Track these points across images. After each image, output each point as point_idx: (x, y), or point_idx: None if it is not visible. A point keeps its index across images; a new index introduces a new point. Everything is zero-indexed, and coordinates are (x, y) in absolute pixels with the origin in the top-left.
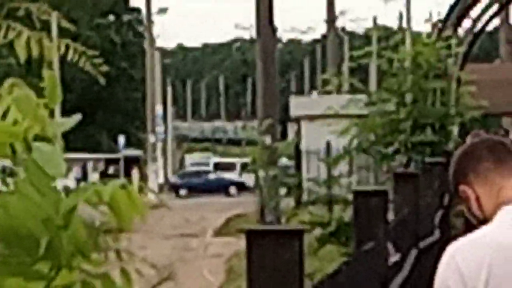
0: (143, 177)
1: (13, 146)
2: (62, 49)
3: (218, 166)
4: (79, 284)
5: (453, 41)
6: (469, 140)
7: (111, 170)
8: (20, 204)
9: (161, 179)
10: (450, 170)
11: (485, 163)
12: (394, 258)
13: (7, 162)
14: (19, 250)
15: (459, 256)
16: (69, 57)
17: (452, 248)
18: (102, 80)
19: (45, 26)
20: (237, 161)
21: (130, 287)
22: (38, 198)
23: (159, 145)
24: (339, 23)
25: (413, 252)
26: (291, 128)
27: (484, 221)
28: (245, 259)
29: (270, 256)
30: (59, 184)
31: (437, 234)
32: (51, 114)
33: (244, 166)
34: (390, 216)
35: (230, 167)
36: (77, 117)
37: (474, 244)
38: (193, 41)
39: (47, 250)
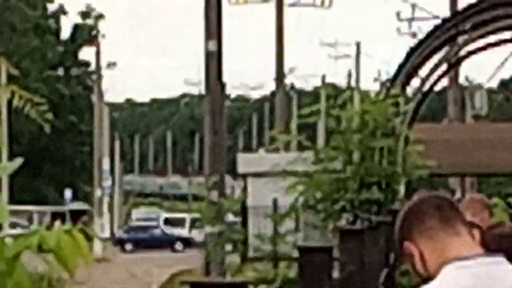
0: None
1: None
2: (8, 95)
3: (168, 221)
4: None
5: (401, 100)
6: (415, 197)
7: (57, 224)
8: None
9: (107, 234)
10: (395, 226)
11: (430, 220)
12: None
13: None
14: None
15: None
16: (15, 103)
17: None
18: (47, 128)
19: None
20: (187, 216)
21: None
22: None
23: (106, 199)
24: (288, 80)
25: None
26: (238, 185)
27: (428, 279)
28: None
29: None
30: (3, 233)
31: None
32: None
33: (194, 222)
34: (335, 273)
35: (180, 222)
36: (18, 161)
37: None
38: (142, 96)
39: None
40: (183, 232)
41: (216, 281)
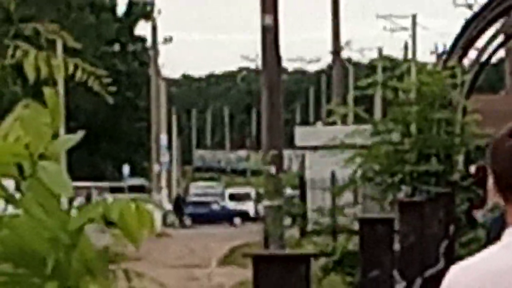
0: None
1: (20, 165)
2: (71, 68)
3: (233, 197)
4: None
5: (459, 71)
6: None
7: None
8: (27, 224)
9: (166, 208)
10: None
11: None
12: (400, 286)
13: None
14: (26, 270)
15: (454, 281)
16: (78, 76)
17: (449, 274)
18: (110, 100)
19: (51, 47)
20: (252, 191)
21: None
22: (44, 217)
23: (164, 175)
24: (344, 54)
25: (418, 281)
26: (296, 158)
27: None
28: (252, 285)
29: (277, 281)
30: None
31: (442, 263)
32: (55, 134)
33: (259, 196)
34: (396, 245)
35: (245, 197)
36: (80, 134)
37: (471, 268)
38: (199, 71)
39: (54, 270)
40: (242, 206)
41: (278, 253)
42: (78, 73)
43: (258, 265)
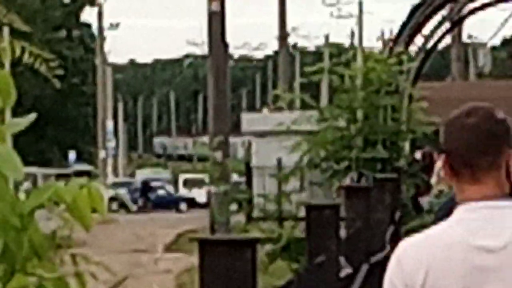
0: None
1: None
2: (18, 51)
3: (187, 183)
4: (34, 287)
5: (405, 57)
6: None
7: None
8: None
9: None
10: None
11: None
12: (345, 271)
13: None
14: None
15: (403, 256)
16: (25, 59)
17: (398, 249)
18: (57, 84)
19: None
20: (206, 177)
21: None
22: None
23: (110, 161)
24: (291, 40)
25: (364, 267)
26: (241, 144)
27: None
28: (198, 270)
29: (223, 266)
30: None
31: (388, 249)
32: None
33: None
34: (342, 231)
35: (199, 183)
36: (31, 116)
37: (418, 243)
38: (145, 57)
39: (3, 253)
40: (191, 193)
41: (225, 237)
42: (25, 56)
43: (204, 250)
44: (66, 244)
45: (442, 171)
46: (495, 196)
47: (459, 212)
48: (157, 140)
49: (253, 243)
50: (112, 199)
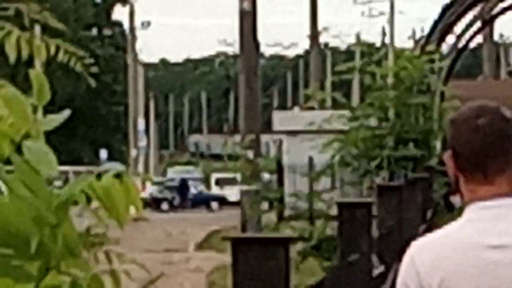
0: None
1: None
2: (53, 49)
3: (219, 182)
4: (68, 285)
5: (436, 56)
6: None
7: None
8: (11, 204)
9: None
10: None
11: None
12: (378, 269)
13: None
14: (9, 250)
15: (417, 256)
16: (60, 57)
17: (411, 249)
18: (92, 82)
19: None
20: (238, 176)
21: None
22: (29, 196)
23: (141, 159)
24: (322, 39)
25: (396, 266)
26: (273, 143)
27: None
28: (231, 268)
29: (256, 264)
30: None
31: None
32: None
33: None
34: (374, 230)
35: (231, 182)
36: (66, 113)
37: (433, 243)
38: (176, 56)
39: (37, 251)
40: (218, 191)
41: (257, 236)
42: (60, 55)
43: (236, 248)
44: (100, 242)
45: (449, 166)
46: (506, 195)
47: (471, 211)
48: (191, 139)
49: (286, 241)
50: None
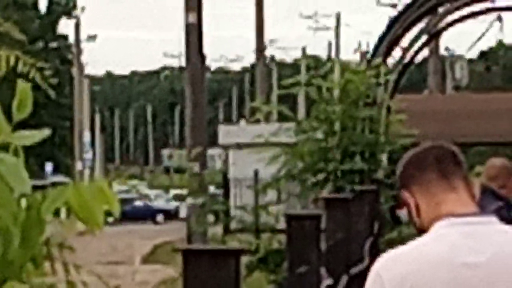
0: None
1: None
2: (12, 61)
3: (177, 197)
4: None
5: (383, 70)
6: (419, 146)
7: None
8: None
9: None
10: (396, 172)
11: (429, 174)
12: (326, 282)
13: None
14: None
15: (384, 271)
16: (20, 68)
17: (378, 264)
18: (52, 93)
19: None
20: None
21: None
22: None
23: (87, 172)
24: (268, 52)
25: (344, 278)
26: (219, 157)
27: (423, 230)
28: (181, 280)
29: (207, 276)
30: None
31: (367, 261)
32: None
33: None
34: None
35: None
36: (46, 132)
37: (401, 258)
38: (122, 69)
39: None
40: (163, 204)
41: (209, 247)
42: (20, 66)
43: (187, 260)
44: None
45: (410, 201)
46: (474, 213)
47: (441, 227)
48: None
49: (237, 253)
50: None
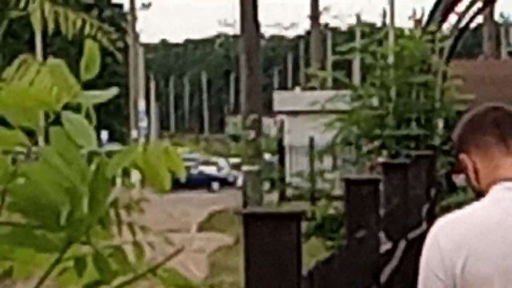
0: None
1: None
2: (79, 23)
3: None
4: (91, 257)
5: (438, 36)
6: (479, 107)
7: None
8: (43, 173)
9: None
10: (453, 136)
11: (487, 137)
12: (385, 246)
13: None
14: (36, 220)
15: (441, 236)
16: (87, 31)
17: (435, 228)
18: (119, 56)
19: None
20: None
21: (143, 261)
22: (64, 168)
23: (142, 140)
24: (322, 19)
25: (402, 243)
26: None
27: (481, 194)
28: (243, 243)
29: (268, 239)
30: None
31: (424, 226)
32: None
33: None
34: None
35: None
36: (113, 91)
37: (457, 222)
38: (176, 37)
39: (67, 221)
40: (218, 171)
41: (269, 211)
42: (87, 28)
43: (249, 224)
44: (127, 208)
45: (467, 163)
46: None
47: (496, 191)
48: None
49: (298, 216)
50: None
